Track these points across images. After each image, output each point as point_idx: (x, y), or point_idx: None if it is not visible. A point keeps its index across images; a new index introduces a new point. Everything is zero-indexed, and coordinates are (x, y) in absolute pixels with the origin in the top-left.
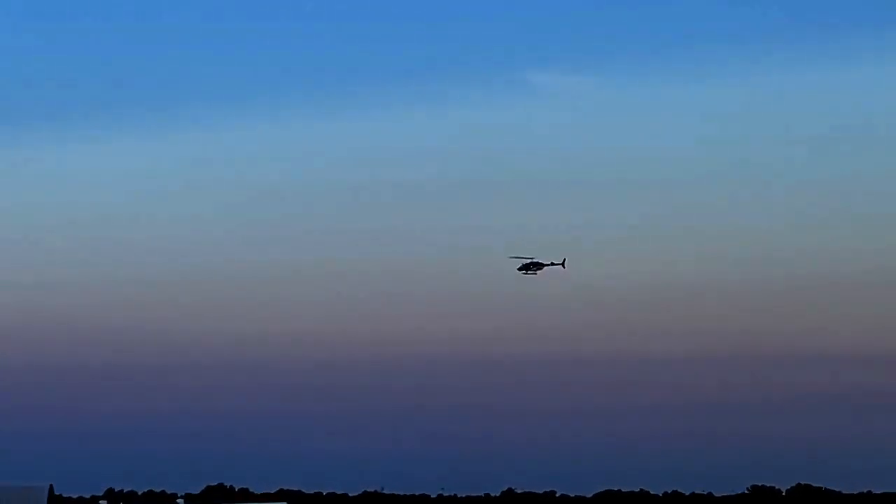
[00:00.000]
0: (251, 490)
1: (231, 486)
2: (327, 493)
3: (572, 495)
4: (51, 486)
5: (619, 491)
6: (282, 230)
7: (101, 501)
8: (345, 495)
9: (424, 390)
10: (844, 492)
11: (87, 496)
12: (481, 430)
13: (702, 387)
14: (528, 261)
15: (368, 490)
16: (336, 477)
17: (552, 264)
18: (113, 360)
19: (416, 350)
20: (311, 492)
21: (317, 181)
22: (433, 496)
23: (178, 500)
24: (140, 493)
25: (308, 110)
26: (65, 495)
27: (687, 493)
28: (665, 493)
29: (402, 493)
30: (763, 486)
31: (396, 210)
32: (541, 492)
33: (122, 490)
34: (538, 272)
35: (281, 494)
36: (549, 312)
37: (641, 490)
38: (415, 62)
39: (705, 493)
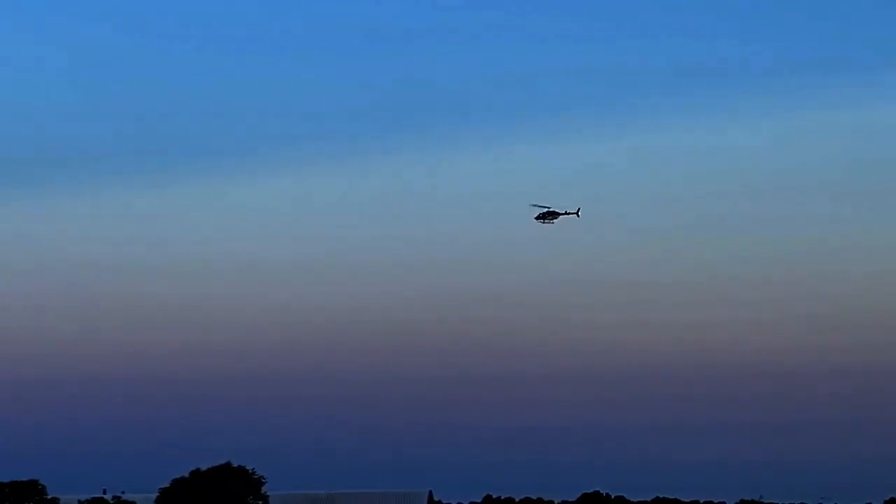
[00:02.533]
0: (626, 497)
1: (607, 494)
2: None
3: None
4: (430, 493)
5: None
6: None
7: None
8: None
9: None
10: None
11: (466, 502)
12: None
13: None
14: (545, 210)
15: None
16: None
17: (566, 213)
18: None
19: None
20: (688, 500)
21: None
22: None
23: None
24: (517, 499)
25: None
26: (444, 501)
27: None
28: None
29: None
30: None
31: None
32: None
33: (499, 496)
34: (554, 221)
35: (656, 503)
36: None
37: None
38: None
39: None
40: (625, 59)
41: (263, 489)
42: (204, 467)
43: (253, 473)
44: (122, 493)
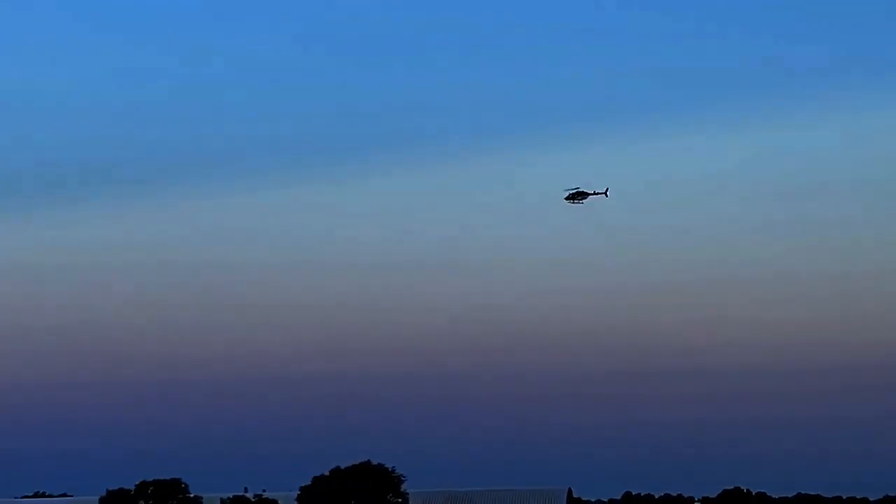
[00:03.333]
0: (768, 494)
1: (748, 490)
2: (847, 498)
3: None
4: (569, 490)
5: None
6: None
7: None
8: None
9: None
10: None
11: (605, 499)
12: None
13: None
14: (574, 190)
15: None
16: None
17: (595, 193)
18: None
19: None
20: (831, 496)
21: None
22: None
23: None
24: (657, 496)
25: None
26: (584, 498)
27: None
28: None
29: None
30: None
31: None
32: None
33: (639, 494)
34: (583, 202)
35: (798, 499)
36: None
37: None
38: None
39: None
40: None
41: (403, 487)
42: (344, 465)
43: (392, 471)
44: (264, 491)
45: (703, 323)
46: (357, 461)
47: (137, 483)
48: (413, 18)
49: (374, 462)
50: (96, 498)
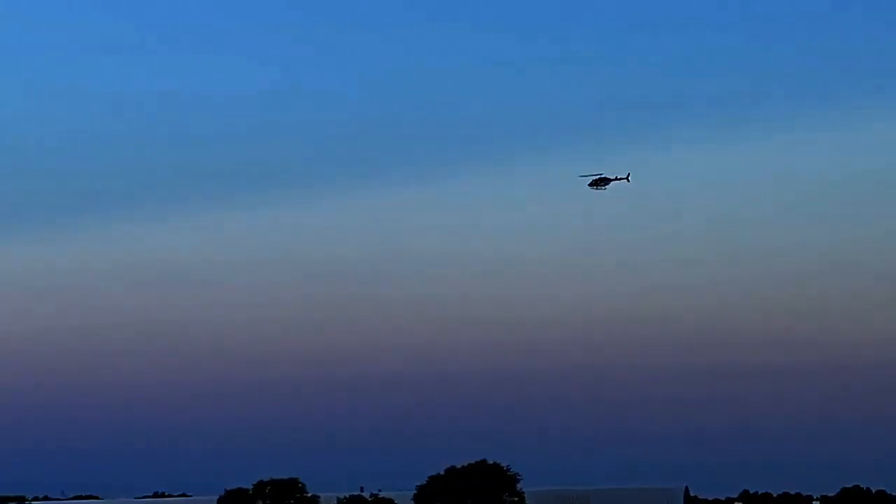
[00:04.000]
0: (887, 492)
1: (867, 489)
2: None
3: None
4: (686, 488)
5: None
6: None
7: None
8: None
9: None
10: None
11: (723, 498)
12: None
13: None
14: (597, 176)
15: None
16: None
17: (617, 179)
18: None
19: None
20: None
21: None
22: None
23: (813, 502)
24: (776, 494)
25: None
26: (701, 496)
27: None
28: None
29: None
30: None
31: None
32: None
33: (756, 492)
34: (605, 187)
35: None
36: None
37: None
38: None
39: None
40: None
41: (518, 486)
42: (459, 465)
43: (508, 470)
44: (380, 490)
45: (816, 321)
46: (473, 460)
47: (255, 483)
48: None
49: (490, 461)
50: (215, 498)
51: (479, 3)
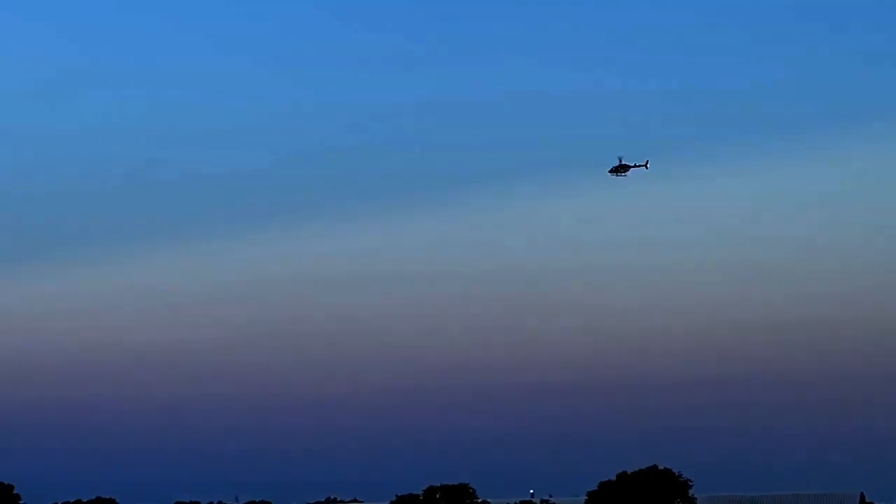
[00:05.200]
0: None
1: None
2: None
3: None
4: (861, 494)
5: None
6: None
7: None
8: None
9: None
10: None
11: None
12: None
13: None
14: (617, 163)
15: None
16: None
17: (636, 166)
18: None
19: None
20: None
21: None
22: None
23: None
24: None
25: None
26: (876, 503)
27: None
28: None
29: None
30: None
31: None
32: None
33: None
34: (626, 174)
35: None
36: None
37: None
38: None
39: None
40: None
41: (690, 492)
42: (630, 470)
43: (679, 476)
44: (550, 496)
45: None
46: (644, 466)
47: (425, 488)
48: None
49: (661, 466)
50: (386, 503)
51: None
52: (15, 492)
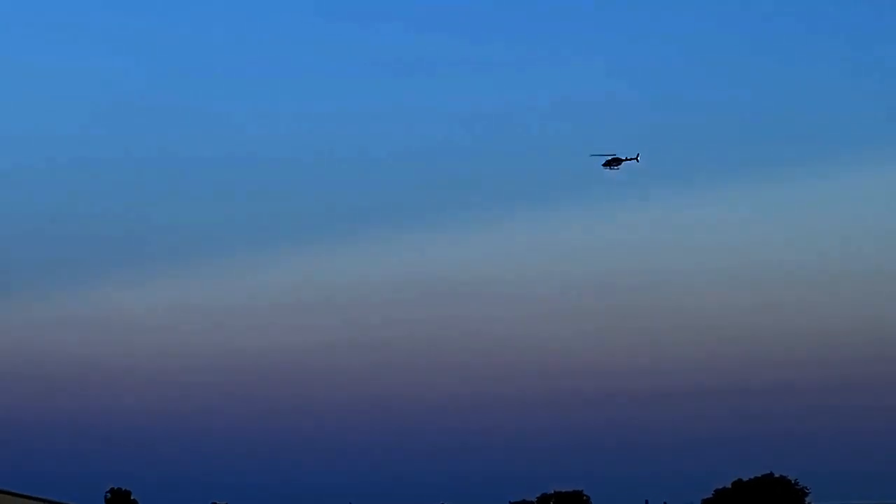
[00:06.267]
0: None
1: None
2: None
3: None
4: None
5: None
6: None
7: None
8: None
9: None
10: None
11: None
12: None
13: None
14: (610, 157)
15: None
16: None
17: (628, 159)
18: None
19: None
20: None
21: None
22: None
23: None
24: None
25: None
26: None
27: None
28: None
29: None
30: None
31: None
32: None
33: None
34: (618, 168)
35: None
36: None
37: None
38: None
39: None
40: None
41: (807, 500)
42: (746, 478)
43: (796, 484)
44: (664, 503)
45: None
46: (760, 473)
47: (539, 495)
48: None
49: (777, 474)
50: None
51: None
52: (132, 497)
